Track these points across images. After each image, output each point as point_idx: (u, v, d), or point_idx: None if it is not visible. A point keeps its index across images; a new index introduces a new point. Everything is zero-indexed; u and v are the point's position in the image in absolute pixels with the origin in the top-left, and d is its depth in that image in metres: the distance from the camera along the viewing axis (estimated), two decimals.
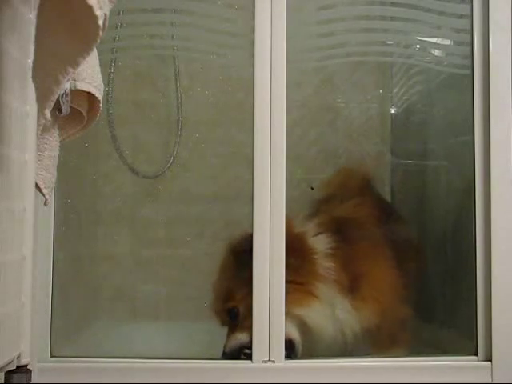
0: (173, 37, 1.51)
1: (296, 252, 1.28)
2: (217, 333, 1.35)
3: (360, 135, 1.87)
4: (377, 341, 1.33)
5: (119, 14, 1.38)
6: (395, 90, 1.86)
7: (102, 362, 1.23)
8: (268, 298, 1.23)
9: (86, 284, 1.75)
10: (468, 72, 1.32)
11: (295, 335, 1.27)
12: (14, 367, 0.95)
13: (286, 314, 1.23)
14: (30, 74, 0.79)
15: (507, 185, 1.27)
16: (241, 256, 1.30)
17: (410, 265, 1.44)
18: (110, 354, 1.26)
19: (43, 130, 0.97)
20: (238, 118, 1.77)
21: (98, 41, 0.70)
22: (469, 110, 1.30)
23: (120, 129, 1.76)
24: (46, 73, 0.77)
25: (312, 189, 1.73)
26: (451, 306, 1.52)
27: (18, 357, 0.95)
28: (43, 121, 0.92)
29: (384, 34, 1.41)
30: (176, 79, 1.80)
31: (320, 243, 1.33)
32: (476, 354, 1.27)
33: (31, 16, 0.91)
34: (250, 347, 1.24)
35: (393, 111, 1.89)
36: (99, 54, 1.05)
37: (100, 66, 1.06)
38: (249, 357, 1.23)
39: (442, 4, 1.36)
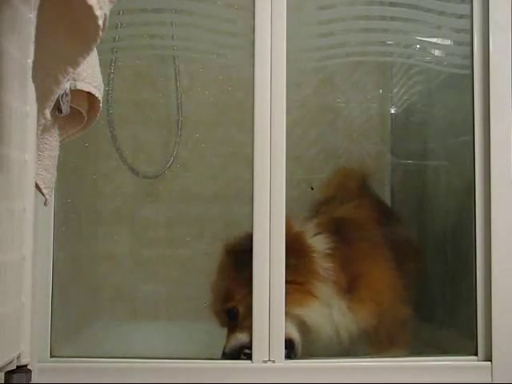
0: (173, 37, 1.50)
1: (295, 252, 1.28)
2: (217, 333, 1.35)
3: (360, 135, 1.87)
4: (376, 341, 1.33)
5: (119, 14, 1.38)
6: (395, 90, 1.86)
7: (102, 362, 1.23)
8: (268, 298, 1.23)
9: (86, 284, 1.75)
10: (468, 72, 1.32)
11: (295, 335, 1.27)
12: (14, 367, 0.95)
13: (286, 313, 1.23)
14: (29, 74, 0.79)
15: (507, 185, 1.27)
16: (241, 256, 1.30)
17: (410, 265, 1.44)
18: (110, 354, 1.26)
19: (43, 130, 0.97)
20: (238, 118, 1.77)
21: (98, 41, 0.70)
22: (469, 110, 1.30)
23: (120, 129, 1.76)
24: (46, 73, 0.77)
25: (312, 189, 1.73)
26: (451, 306, 1.52)
27: (18, 357, 0.95)
28: (43, 121, 0.92)
29: (384, 33, 1.41)
30: (176, 79, 1.80)
31: (319, 243, 1.33)
32: (476, 354, 1.27)
33: (31, 16, 0.91)
34: (249, 347, 1.24)
35: (393, 111, 1.89)
36: (99, 54, 1.05)
37: (100, 65, 1.06)
38: (249, 357, 1.23)
39: (442, 4, 1.36)
